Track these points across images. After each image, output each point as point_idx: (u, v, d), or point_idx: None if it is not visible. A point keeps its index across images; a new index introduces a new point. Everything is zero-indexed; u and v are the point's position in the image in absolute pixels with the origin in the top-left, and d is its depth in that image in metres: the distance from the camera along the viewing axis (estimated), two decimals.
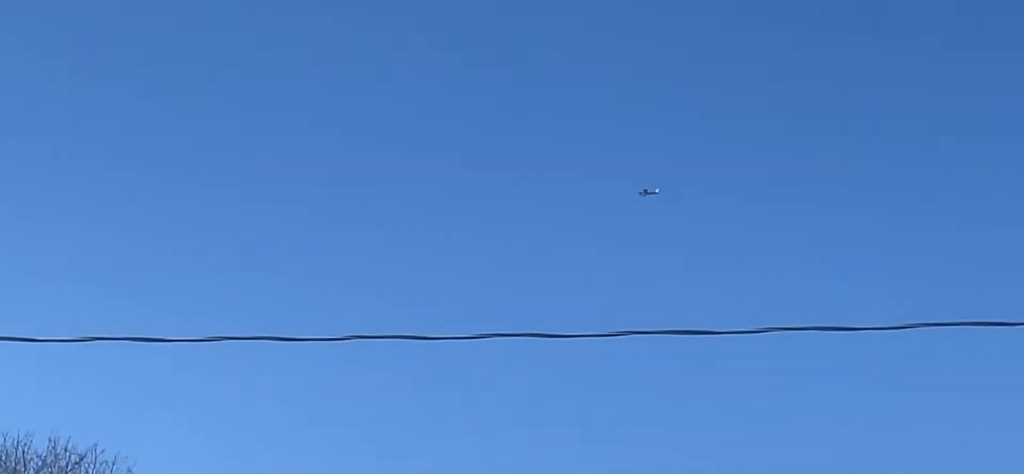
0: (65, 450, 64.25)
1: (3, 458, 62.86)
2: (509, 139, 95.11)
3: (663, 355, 79.05)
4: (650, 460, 76.94)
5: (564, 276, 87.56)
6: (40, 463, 63.37)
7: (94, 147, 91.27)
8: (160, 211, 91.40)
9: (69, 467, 63.74)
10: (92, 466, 64.04)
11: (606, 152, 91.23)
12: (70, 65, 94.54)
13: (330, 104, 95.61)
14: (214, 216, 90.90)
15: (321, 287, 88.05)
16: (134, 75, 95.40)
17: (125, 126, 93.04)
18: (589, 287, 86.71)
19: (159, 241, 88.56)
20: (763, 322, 15.72)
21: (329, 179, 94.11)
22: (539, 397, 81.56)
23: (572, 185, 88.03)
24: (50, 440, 64.15)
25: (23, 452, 63.34)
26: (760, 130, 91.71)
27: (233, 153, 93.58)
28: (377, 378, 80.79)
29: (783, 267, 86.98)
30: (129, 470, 65.20)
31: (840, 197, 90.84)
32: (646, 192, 70.21)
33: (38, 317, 77.21)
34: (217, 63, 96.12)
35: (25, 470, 62.67)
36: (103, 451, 64.94)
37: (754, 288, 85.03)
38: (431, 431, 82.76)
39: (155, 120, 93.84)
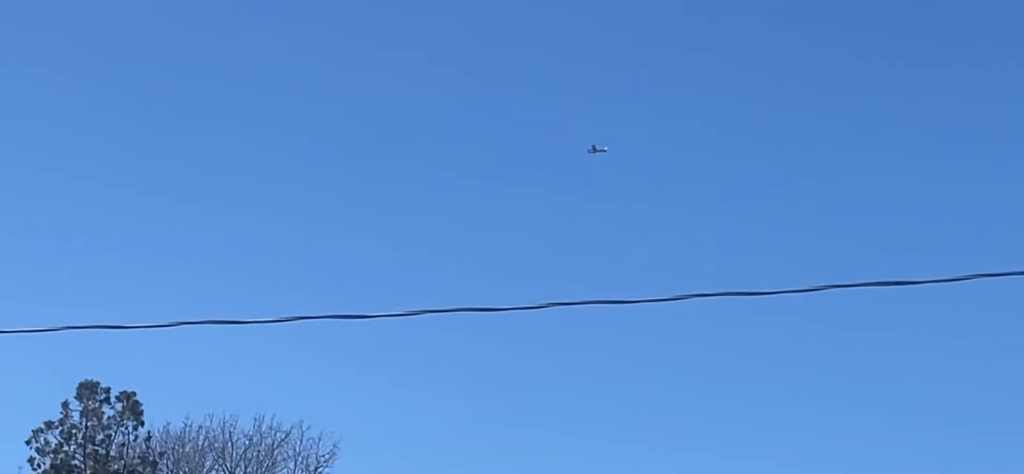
0: (270, 428, 67.82)
1: (211, 438, 66.56)
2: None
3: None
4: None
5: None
6: (247, 442, 66.95)
7: (294, 134, 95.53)
8: (363, 192, 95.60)
9: (275, 444, 67.28)
10: (298, 442, 67.58)
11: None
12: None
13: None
14: (412, 196, 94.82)
15: (516, 260, 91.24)
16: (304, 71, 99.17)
17: (331, 118, 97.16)
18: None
19: (359, 221, 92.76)
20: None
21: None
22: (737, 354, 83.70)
23: None
24: (255, 419, 67.78)
25: (230, 432, 66.98)
26: None
27: (428, 137, 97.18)
28: (577, 346, 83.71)
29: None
30: (335, 445, 68.70)
31: None
32: (595, 149, 70.38)
33: (241, 299, 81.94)
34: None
35: (232, 449, 66.32)
36: (308, 428, 68.52)
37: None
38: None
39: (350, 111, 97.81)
